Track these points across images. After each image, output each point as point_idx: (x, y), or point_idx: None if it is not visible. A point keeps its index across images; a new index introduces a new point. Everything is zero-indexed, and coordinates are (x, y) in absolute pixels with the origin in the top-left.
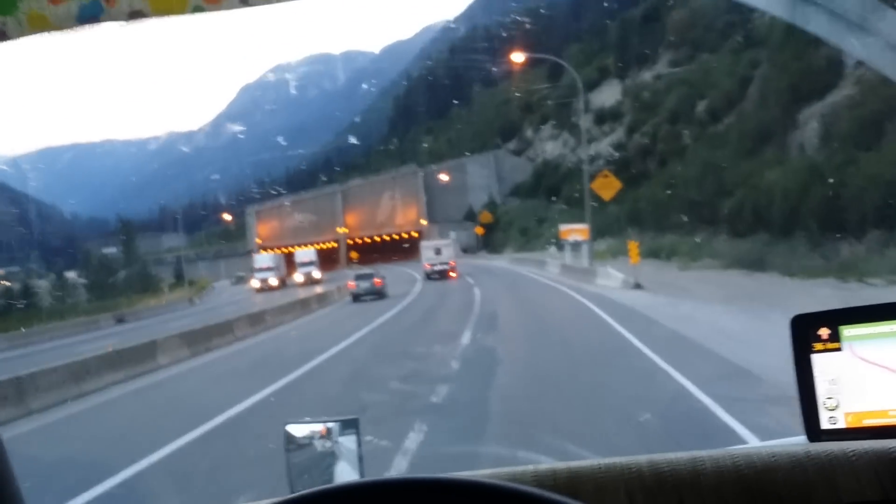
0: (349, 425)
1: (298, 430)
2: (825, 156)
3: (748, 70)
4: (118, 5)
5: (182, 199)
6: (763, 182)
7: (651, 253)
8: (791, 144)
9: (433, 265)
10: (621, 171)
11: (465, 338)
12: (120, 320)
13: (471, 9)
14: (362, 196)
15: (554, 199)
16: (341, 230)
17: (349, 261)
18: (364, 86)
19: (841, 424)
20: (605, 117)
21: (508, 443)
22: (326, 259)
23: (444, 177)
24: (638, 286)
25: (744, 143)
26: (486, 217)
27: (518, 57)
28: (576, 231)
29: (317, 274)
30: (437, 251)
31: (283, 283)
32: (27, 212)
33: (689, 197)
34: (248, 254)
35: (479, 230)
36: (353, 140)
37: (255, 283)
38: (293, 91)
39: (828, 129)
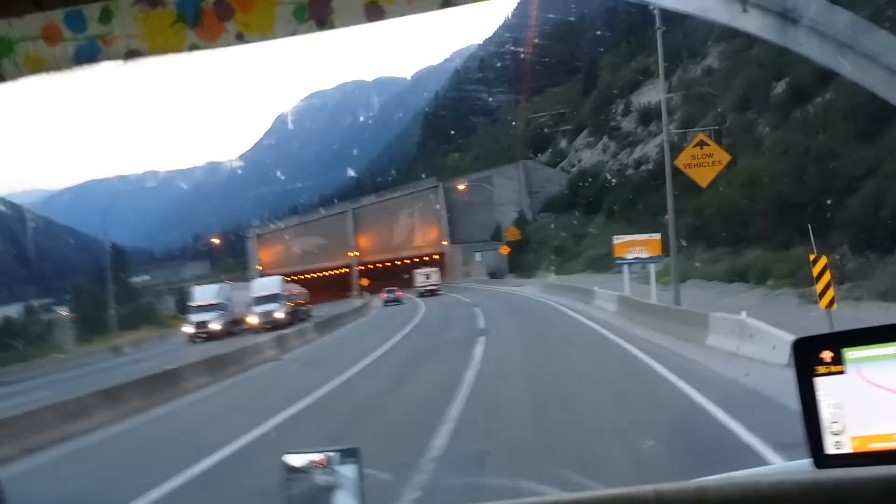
0: (349, 454)
1: (297, 460)
2: None
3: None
4: (115, 45)
5: (216, 227)
6: None
7: (733, 274)
8: None
9: (423, 286)
10: (676, 175)
11: None
12: None
13: (499, 31)
14: (376, 216)
15: (594, 213)
16: (353, 254)
17: (360, 289)
18: (397, 113)
19: (847, 449)
20: (650, 116)
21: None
22: (336, 286)
23: (461, 187)
24: None
25: (858, 124)
26: (514, 234)
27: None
28: (639, 245)
29: (280, 314)
30: (427, 276)
31: (238, 325)
32: (63, 244)
33: (778, 198)
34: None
35: (505, 250)
36: (351, 173)
37: (187, 328)
38: (327, 119)
39: None
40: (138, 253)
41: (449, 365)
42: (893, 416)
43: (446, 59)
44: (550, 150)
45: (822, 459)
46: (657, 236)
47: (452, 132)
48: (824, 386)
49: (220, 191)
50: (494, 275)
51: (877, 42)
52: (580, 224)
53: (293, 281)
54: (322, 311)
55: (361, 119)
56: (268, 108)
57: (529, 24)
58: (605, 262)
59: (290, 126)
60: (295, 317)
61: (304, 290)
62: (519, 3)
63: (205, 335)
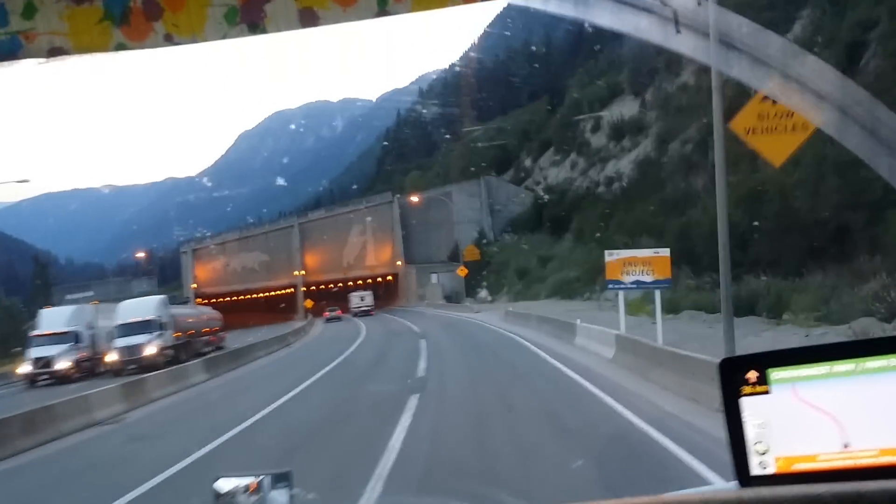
0: (281, 479)
1: (227, 484)
2: None
3: (857, 34)
4: (38, 42)
5: (171, 244)
6: None
7: (737, 306)
8: None
9: (358, 308)
10: (653, 191)
11: None
12: None
13: (465, 56)
14: (324, 231)
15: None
16: (298, 273)
17: (305, 311)
18: (361, 133)
19: (771, 470)
20: (623, 131)
21: None
22: (280, 308)
23: (417, 200)
24: None
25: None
26: (472, 253)
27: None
28: (641, 264)
29: (153, 348)
30: (362, 298)
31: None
32: (16, 258)
33: (787, 216)
34: (185, 302)
35: (463, 271)
36: (280, 181)
37: (25, 367)
38: (291, 138)
39: None
40: (90, 267)
41: (346, 455)
42: (816, 437)
43: (412, 82)
44: (513, 168)
45: (746, 479)
46: (665, 253)
47: (413, 151)
48: (749, 406)
49: (176, 206)
50: (451, 298)
51: (806, 66)
52: (546, 245)
53: (228, 302)
54: (251, 336)
55: (325, 138)
56: (231, 125)
57: (495, 48)
58: (574, 288)
59: (254, 144)
60: (187, 350)
61: (214, 315)
62: (486, 29)
63: (48, 377)
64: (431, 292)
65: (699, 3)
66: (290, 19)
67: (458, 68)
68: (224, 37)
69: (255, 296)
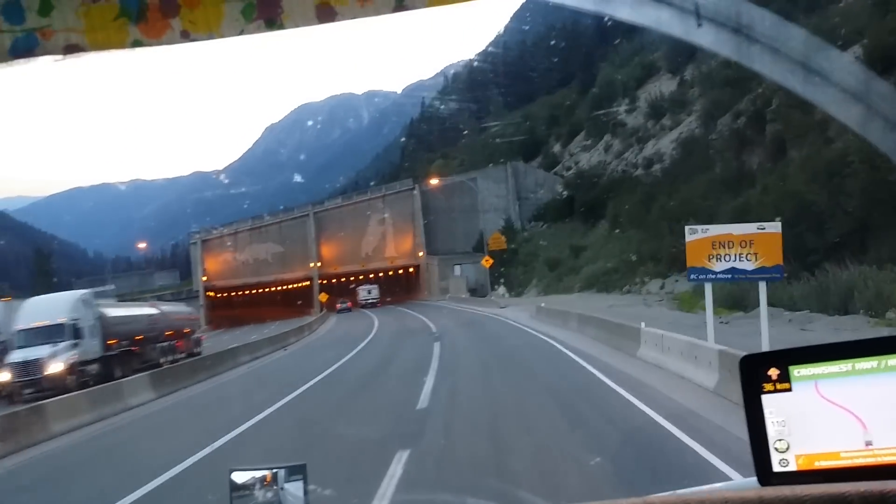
0: (296, 471)
1: (242, 476)
2: None
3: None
4: (54, 39)
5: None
6: None
7: (825, 301)
8: None
9: (366, 300)
10: (699, 172)
11: None
12: None
13: (490, 46)
14: (342, 221)
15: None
16: (314, 265)
17: (321, 306)
18: (387, 125)
19: (792, 467)
20: (662, 109)
21: None
22: (295, 302)
23: (439, 185)
24: None
25: None
26: (499, 242)
27: None
28: (740, 243)
29: (59, 364)
30: (369, 291)
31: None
32: (47, 251)
33: (877, 192)
34: (195, 296)
35: (487, 262)
36: (298, 178)
37: None
38: (317, 131)
39: None
40: (119, 261)
41: None
42: (838, 434)
43: (437, 73)
44: (542, 155)
45: (767, 477)
46: (775, 229)
47: (438, 140)
48: (771, 403)
49: (204, 200)
50: (475, 292)
51: (829, 60)
52: (579, 234)
53: (241, 296)
54: (257, 333)
55: (351, 131)
56: (257, 119)
57: (521, 36)
58: (611, 280)
59: (280, 137)
60: (127, 363)
61: (184, 313)
62: (511, 18)
63: None
64: (455, 285)
65: None
66: (307, 15)
67: (482, 59)
68: (241, 33)
69: (268, 289)
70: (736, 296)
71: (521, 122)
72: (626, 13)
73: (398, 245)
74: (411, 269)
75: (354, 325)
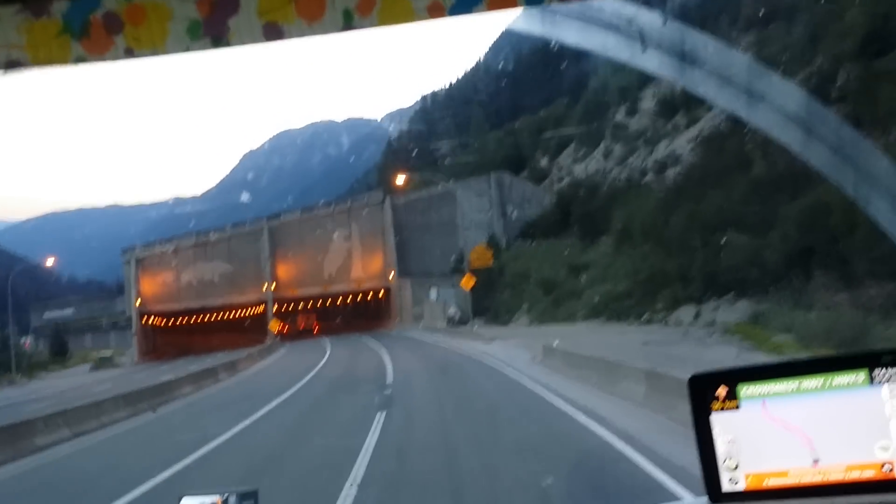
0: (247, 497)
1: (191, 502)
2: None
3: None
4: None
5: None
6: None
7: None
8: None
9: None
10: (731, 172)
11: None
12: None
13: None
14: (301, 237)
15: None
16: (268, 287)
17: (274, 335)
18: (367, 152)
19: (741, 486)
20: (674, 105)
21: None
22: (247, 329)
23: (401, 181)
24: None
25: None
26: (482, 257)
27: None
28: None
29: None
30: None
31: None
32: (17, 275)
33: None
34: (127, 323)
35: (468, 282)
36: (244, 198)
37: None
38: (296, 157)
39: None
40: (92, 285)
41: None
42: (786, 453)
43: (417, 102)
44: (527, 170)
45: (717, 496)
46: None
47: (417, 159)
48: (719, 422)
49: (181, 225)
50: (454, 320)
51: (770, 85)
52: (576, 251)
53: (181, 323)
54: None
55: (331, 157)
56: (235, 145)
57: (501, 62)
58: (624, 307)
59: (259, 164)
60: None
61: None
62: (490, 48)
63: None
64: (430, 311)
65: (664, 23)
66: (254, 33)
67: (462, 83)
68: (186, 50)
69: (216, 316)
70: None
71: (503, 138)
72: (573, 38)
73: (366, 265)
74: (381, 293)
75: (296, 362)
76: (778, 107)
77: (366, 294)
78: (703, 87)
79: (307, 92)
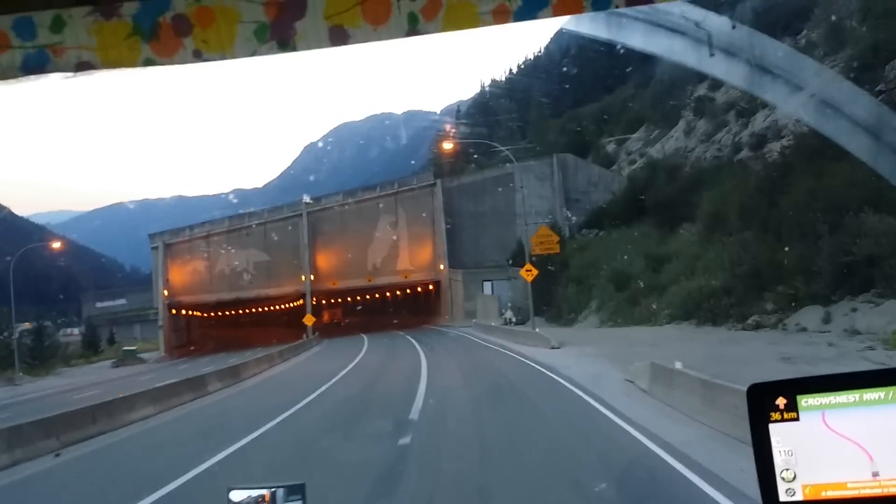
0: (294, 491)
1: (240, 495)
2: None
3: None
4: (65, 56)
5: None
6: None
7: None
8: None
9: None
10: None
11: None
12: None
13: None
14: (344, 224)
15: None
16: (307, 278)
17: (312, 330)
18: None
19: (799, 497)
20: (772, 73)
21: None
22: (287, 324)
23: (448, 146)
24: None
25: None
26: (546, 241)
27: None
28: None
29: None
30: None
31: None
32: (80, 265)
33: None
34: (156, 315)
35: (529, 273)
36: (307, 199)
37: None
38: (355, 149)
39: None
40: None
41: None
42: (845, 465)
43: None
44: (591, 156)
45: None
46: None
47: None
48: (778, 432)
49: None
50: (514, 319)
51: (841, 92)
52: (653, 241)
53: (212, 316)
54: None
55: (389, 150)
56: (296, 137)
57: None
58: (720, 306)
59: (318, 156)
60: None
61: None
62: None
63: None
64: (483, 307)
65: (734, 27)
66: (320, 37)
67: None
68: (254, 54)
69: (250, 309)
70: None
71: (565, 124)
72: (638, 41)
73: (414, 255)
74: (430, 286)
75: (321, 366)
76: (848, 114)
77: (413, 287)
78: (772, 92)
79: (369, 83)
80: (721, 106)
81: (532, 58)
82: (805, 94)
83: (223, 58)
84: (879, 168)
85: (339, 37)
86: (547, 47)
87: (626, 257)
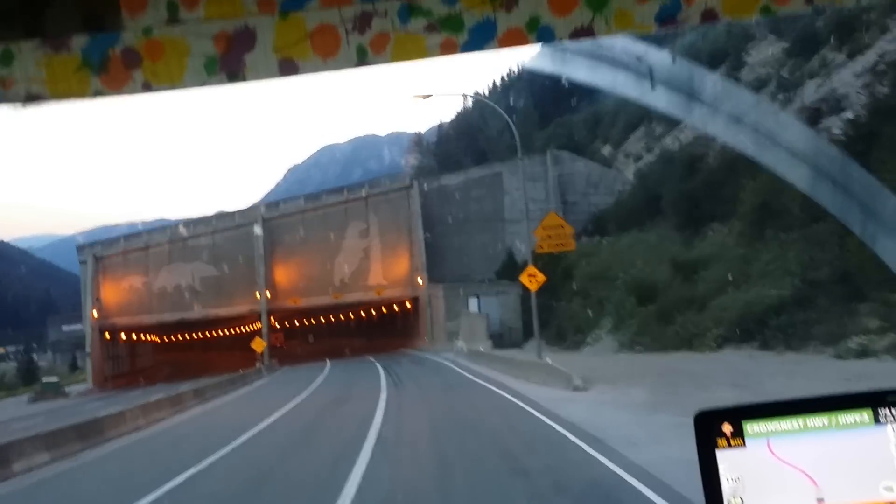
0: None
1: None
2: None
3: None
4: (14, 88)
5: None
6: None
7: None
8: None
9: None
10: None
11: None
12: None
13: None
14: (305, 232)
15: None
16: (261, 295)
17: (261, 357)
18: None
19: None
20: (817, 38)
21: None
22: (240, 350)
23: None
24: None
25: None
26: (557, 234)
27: None
28: None
29: None
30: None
31: None
32: (62, 288)
33: None
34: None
35: (533, 280)
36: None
37: None
38: (339, 170)
39: None
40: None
41: None
42: (791, 491)
43: (460, 111)
44: (585, 161)
45: None
46: None
47: (454, 161)
48: (725, 459)
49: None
50: (502, 339)
51: (778, 123)
52: (676, 245)
53: (164, 342)
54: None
55: (372, 171)
56: (280, 160)
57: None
58: (795, 325)
59: (302, 178)
60: None
61: None
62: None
63: None
64: (469, 327)
65: (674, 61)
66: (269, 69)
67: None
68: (203, 84)
69: (208, 333)
70: None
71: (554, 130)
72: (583, 75)
73: (388, 268)
74: (407, 303)
75: (243, 412)
76: (785, 144)
77: (389, 305)
78: (711, 125)
79: (353, 106)
80: (751, 83)
81: (516, 70)
82: (743, 126)
83: (173, 89)
84: (818, 197)
85: (288, 68)
86: (529, 60)
87: (642, 265)
